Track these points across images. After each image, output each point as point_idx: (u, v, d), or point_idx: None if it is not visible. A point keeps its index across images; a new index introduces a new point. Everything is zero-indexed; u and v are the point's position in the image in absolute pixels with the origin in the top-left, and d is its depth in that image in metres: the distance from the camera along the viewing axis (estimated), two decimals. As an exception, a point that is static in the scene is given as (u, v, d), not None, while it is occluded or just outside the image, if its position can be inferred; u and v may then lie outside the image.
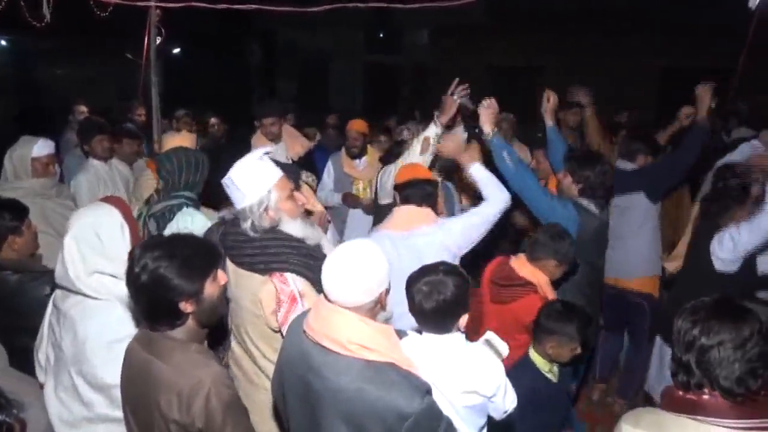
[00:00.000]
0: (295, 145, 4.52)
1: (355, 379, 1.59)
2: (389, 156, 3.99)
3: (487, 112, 3.14)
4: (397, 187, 2.88)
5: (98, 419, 1.99)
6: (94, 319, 1.98)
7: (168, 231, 2.73)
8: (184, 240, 1.72)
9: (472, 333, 2.44)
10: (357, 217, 4.51)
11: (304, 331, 1.72)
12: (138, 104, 5.93)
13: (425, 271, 1.90)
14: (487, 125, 3.13)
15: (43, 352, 2.18)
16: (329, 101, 14.32)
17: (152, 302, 1.67)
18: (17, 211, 2.58)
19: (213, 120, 6.38)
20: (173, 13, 5.53)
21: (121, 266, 1.93)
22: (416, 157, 3.23)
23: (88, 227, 2.03)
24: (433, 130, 3.22)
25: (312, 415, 1.68)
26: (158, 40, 5.33)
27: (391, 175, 3.41)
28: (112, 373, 1.87)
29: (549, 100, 3.65)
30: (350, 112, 9.90)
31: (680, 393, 1.50)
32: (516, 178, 3.03)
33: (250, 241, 2.14)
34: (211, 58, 13.34)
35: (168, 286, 1.63)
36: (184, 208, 2.78)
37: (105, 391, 1.97)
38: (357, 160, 4.63)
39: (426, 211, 2.76)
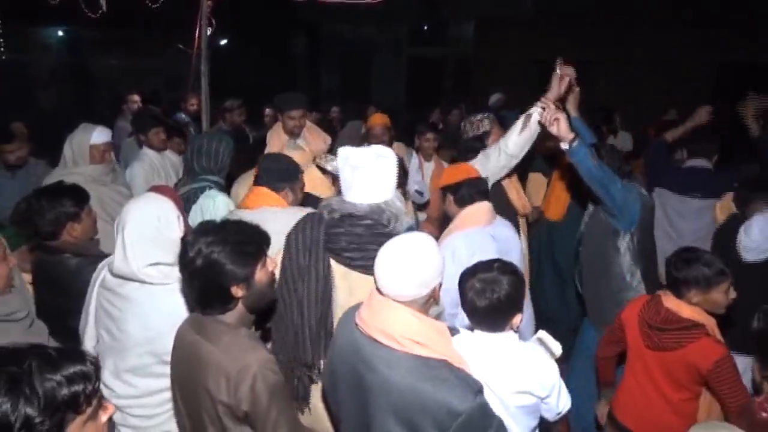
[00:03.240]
0: (316, 140, 4.32)
1: (407, 374, 1.58)
2: (471, 150, 3.60)
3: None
4: (450, 188, 2.84)
5: (167, 388, 2.01)
6: (164, 300, 2.01)
7: (192, 213, 2.90)
8: (236, 226, 1.76)
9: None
10: None
11: (356, 324, 1.72)
12: (192, 95, 6.06)
13: (479, 268, 1.86)
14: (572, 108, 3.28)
15: (90, 336, 2.21)
16: (372, 94, 14.31)
17: (205, 287, 1.71)
18: (78, 197, 2.61)
19: (267, 110, 6.45)
20: (222, 5, 5.63)
21: (174, 253, 1.98)
22: (515, 135, 3.17)
23: (145, 219, 2.05)
24: (537, 109, 3.06)
25: (363, 407, 1.68)
26: (208, 32, 5.43)
27: (476, 165, 3.21)
28: None
29: (565, 86, 3.29)
30: (393, 106, 9.88)
31: (764, 414, 1.40)
32: (599, 169, 2.81)
33: (374, 241, 1.90)
34: (257, 49, 13.49)
35: (221, 271, 1.67)
36: (207, 191, 2.96)
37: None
38: None
39: (489, 206, 2.82)
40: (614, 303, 2.89)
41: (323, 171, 3.31)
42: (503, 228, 2.86)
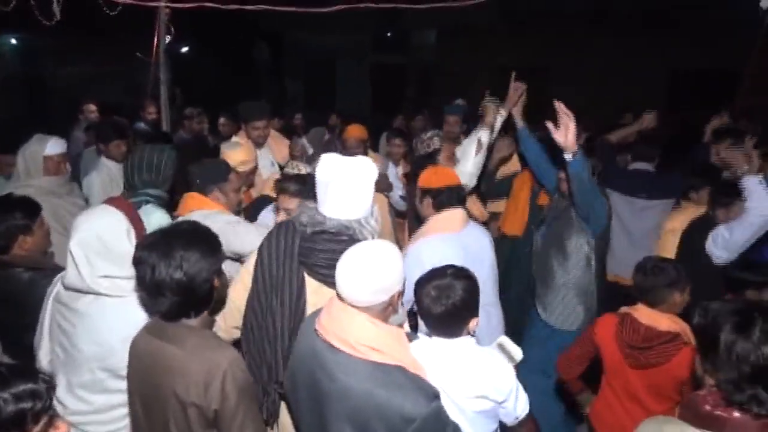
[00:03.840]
0: (281, 148, 4.34)
1: (363, 380, 1.59)
2: (422, 168, 3.65)
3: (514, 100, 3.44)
4: (431, 192, 2.86)
5: (123, 404, 1.99)
6: (117, 315, 1.98)
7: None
8: (182, 229, 1.79)
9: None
10: None
11: (316, 330, 1.72)
12: (149, 103, 5.97)
13: (434, 274, 1.88)
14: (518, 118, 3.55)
15: (45, 352, 2.16)
16: (336, 101, 14.31)
17: (188, 294, 1.71)
18: (29, 209, 2.54)
19: (222, 119, 6.40)
20: (181, 13, 5.56)
21: (128, 268, 1.95)
22: (471, 160, 3.39)
23: (92, 233, 2.01)
24: (484, 133, 3.42)
25: (320, 412, 1.69)
26: (167, 39, 5.36)
27: None
28: None
29: (517, 96, 3.63)
30: (357, 112, 9.91)
31: (707, 407, 1.40)
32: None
33: None
34: (219, 57, 13.36)
35: (205, 273, 1.71)
36: (143, 206, 2.80)
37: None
38: None
39: (463, 212, 2.88)
40: (571, 289, 3.17)
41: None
42: (475, 235, 2.88)
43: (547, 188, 3.75)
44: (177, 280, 1.67)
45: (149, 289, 1.71)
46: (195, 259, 1.69)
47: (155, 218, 2.75)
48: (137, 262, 1.71)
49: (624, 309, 2.48)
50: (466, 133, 4.22)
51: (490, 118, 3.50)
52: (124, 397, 1.92)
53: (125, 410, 1.96)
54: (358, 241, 1.95)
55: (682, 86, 10.99)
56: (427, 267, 1.95)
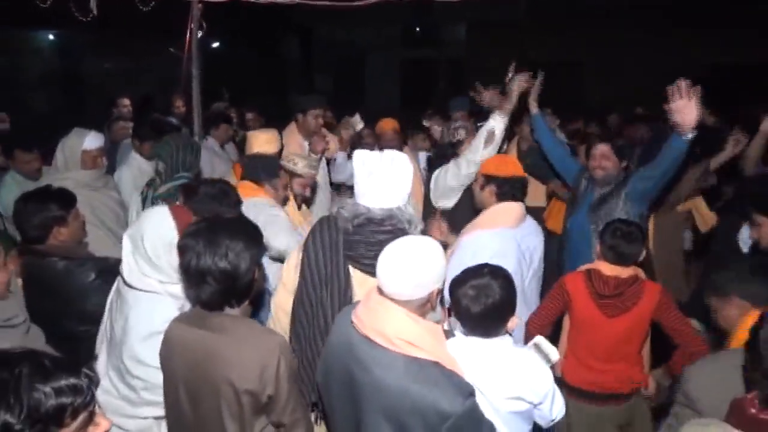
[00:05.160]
0: (319, 142, 4.35)
1: (399, 376, 1.59)
2: (442, 156, 3.85)
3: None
4: (497, 180, 2.79)
5: (143, 402, 2.03)
6: (144, 307, 2.03)
7: None
8: (227, 220, 1.85)
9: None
10: None
11: (352, 323, 1.72)
12: (177, 97, 6.06)
13: (470, 274, 1.84)
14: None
15: (104, 327, 2.25)
16: (365, 96, 14.32)
17: (231, 283, 1.74)
18: (64, 201, 2.60)
19: (249, 115, 6.47)
20: (213, 8, 5.63)
21: (169, 275, 2.04)
22: (480, 151, 3.29)
23: (139, 236, 2.05)
24: (497, 123, 3.32)
25: (354, 405, 1.69)
26: (199, 34, 5.43)
27: (448, 174, 3.43)
28: (151, 360, 1.94)
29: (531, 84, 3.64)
30: (386, 107, 9.91)
31: (752, 411, 1.37)
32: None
33: None
34: (249, 52, 13.48)
35: (248, 264, 1.75)
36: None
37: (144, 378, 2.00)
38: None
39: (522, 207, 2.83)
40: None
41: (292, 175, 3.42)
42: (530, 233, 2.82)
43: (565, 177, 3.70)
44: (221, 269, 1.70)
45: (193, 276, 1.74)
46: (239, 249, 1.73)
47: None
48: (182, 249, 1.75)
49: (585, 266, 2.70)
50: None
51: (510, 104, 3.40)
52: (147, 399, 1.98)
53: (147, 411, 2.01)
54: (401, 229, 2.02)
55: (722, 81, 10.69)
56: (480, 261, 1.93)
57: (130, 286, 2.05)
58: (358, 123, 4.55)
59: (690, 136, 2.93)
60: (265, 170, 3.21)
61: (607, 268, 2.61)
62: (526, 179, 2.91)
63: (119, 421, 2.03)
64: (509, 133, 4.11)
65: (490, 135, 3.30)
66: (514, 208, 2.75)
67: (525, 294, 2.64)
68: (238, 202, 2.74)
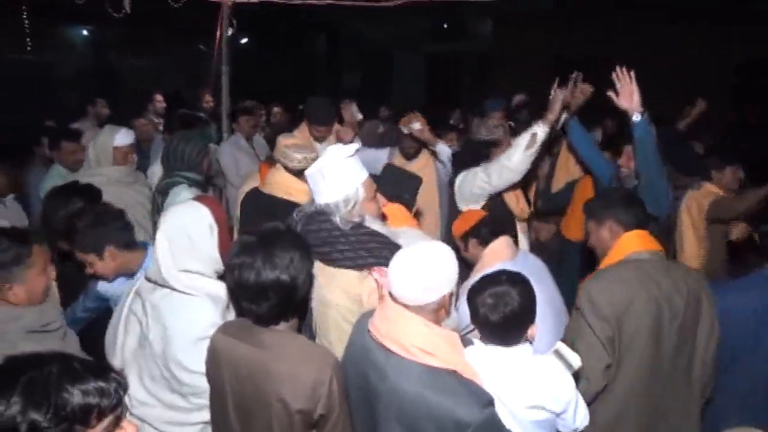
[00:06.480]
0: (348, 133, 4.30)
1: (416, 384, 1.58)
2: (472, 151, 3.70)
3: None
4: (470, 232, 2.69)
5: (194, 408, 2.03)
6: (184, 314, 2.01)
7: (166, 205, 3.06)
8: (280, 232, 1.80)
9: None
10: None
11: (369, 331, 1.73)
12: (204, 92, 6.16)
13: (488, 282, 1.83)
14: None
15: (118, 337, 2.19)
16: (393, 92, 14.31)
17: (291, 295, 1.72)
18: (88, 196, 2.64)
19: (276, 109, 6.52)
20: (243, 5, 5.69)
21: (208, 265, 2.06)
22: (519, 154, 3.17)
23: (179, 228, 2.05)
24: (541, 128, 3.17)
25: (370, 413, 1.70)
26: (229, 32, 5.51)
27: (476, 181, 3.30)
28: (197, 367, 1.92)
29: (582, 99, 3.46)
30: (413, 102, 9.89)
31: None
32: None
33: (343, 236, 2.10)
34: (276, 48, 13.57)
35: (306, 275, 1.74)
36: (176, 187, 3.17)
37: (192, 384, 1.99)
38: (412, 160, 4.19)
39: (510, 239, 2.73)
40: None
41: (298, 175, 3.09)
42: (531, 261, 2.71)
43: (602, 179, 3.66)
44: (282, 282, 1.69)
45: (252, 293, 1.70)
46: (297, 260, 1.71)
47: (182, 198, 2.99)
48: (239, 267, 1.70)
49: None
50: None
51: (553, 114, 3.24)
52: (191, 403, 1.97)
53: (197, 416, 2.01)
54: (332, 222, 2.11)
55: (749, 78, 10.41)
56: None
57: (167, 287, 2.03)
58: (356, 113, 4.53)
59: (640, 116, 2.89)
60: (410, 190, 2.87)
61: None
62: (494, 216, 2.81)
63: (170, 430, 2.04)
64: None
65: (533, 139, 3.16)
66: (503, 241, 2.64)
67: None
68: (126, 226, 2.39)
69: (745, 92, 9.97)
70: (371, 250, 2.09)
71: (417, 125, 3.81)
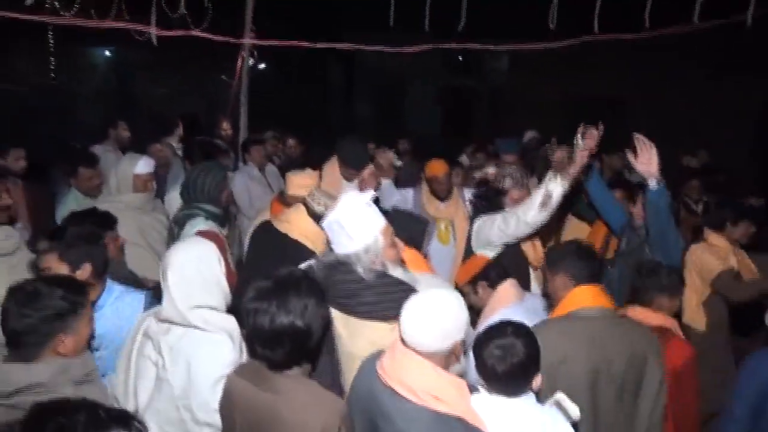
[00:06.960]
0: (371, 181, 4.12)
1: (423, 428, 1.61)
2: (485, 198, 3.65)
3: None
4: (478, 277, 2.73)
5: None
6: (208, 353, 2.01)
7: (183, 236, 3.03)
8: (296, 277, 1.81)
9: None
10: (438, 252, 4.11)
11: (377, 373, 1.76)
12: (222, 119, 6.25)
13: (493, 333, 1.85)
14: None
15: (127, 382, 2.16)
16: (406, 123, 14.44)
17: (305, 342, 1.73)
18: (101, 222, 2.68)
19: (290, 141, 6.58)
20: (262, 37, 5.82)
21: (220, 298, 2.10)
22: (533, 213, 3.07)
23: (189, 263, 2.09)
24: (556, 187, 3.03)
25: (377, 456, 1.71)
26: (251, 63, 5.64)
27: (494, 228, 3.22)
28: (217, 406, 1.93)
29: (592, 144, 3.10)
30: (427, 134, 9.98)
31: None
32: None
33: (368, 288, 2.07)
34: (292, 77, 13.77)
35: (320, 321, 1.76)
36: (193, 219, 3.13)
37: (212, 423, 1.98)
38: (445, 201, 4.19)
39: (515, 282, 2.76)
40: None
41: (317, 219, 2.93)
42: (537, 302, 2.74)
43: (613, 227, 3.67)
44: (297, 328, 1.69)
45: (267, 338, 1.70)
46: (311, 306, 1.72)
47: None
48: (254, 312, 1.71)
49: (621, 310, 2.56)
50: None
51: (575, 169, 3.07)
52: None
53: None
54: (356, 272, 2.08)
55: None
56: None
57: (184, 325, 2.04)
58: (396, 161, 4.58)
59: (656, 184, 2.95)
60: (417, 234, 2.81)
61: (638, 312, 2.53)
62: (495, 262, 2.83)
63: None
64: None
65: (547, 198, 3.04)
66: (510, 284, 2.67)
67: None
68: (107, 259, 2.42)
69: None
70: (397, 300, 1.98)
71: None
